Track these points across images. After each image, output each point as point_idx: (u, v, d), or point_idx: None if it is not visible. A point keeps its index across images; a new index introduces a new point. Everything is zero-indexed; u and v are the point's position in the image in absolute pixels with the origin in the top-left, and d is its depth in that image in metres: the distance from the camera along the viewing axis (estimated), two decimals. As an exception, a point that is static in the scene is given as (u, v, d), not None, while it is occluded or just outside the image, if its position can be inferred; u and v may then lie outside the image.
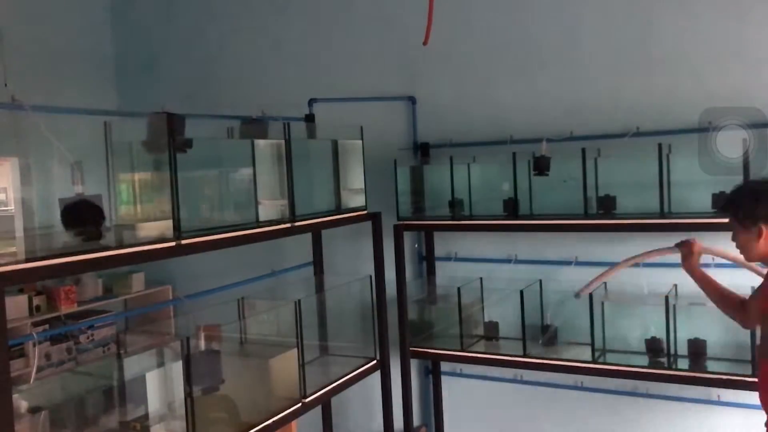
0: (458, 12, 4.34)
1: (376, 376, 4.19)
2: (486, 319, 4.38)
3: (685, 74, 3.89)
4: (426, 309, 4.64)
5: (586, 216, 3.80)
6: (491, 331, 4.33)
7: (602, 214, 3.78)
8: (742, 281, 3.71)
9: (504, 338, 4.29)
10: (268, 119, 3.60)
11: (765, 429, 2.57)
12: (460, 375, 4.63)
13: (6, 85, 3.54)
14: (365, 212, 4.08)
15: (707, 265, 3.80)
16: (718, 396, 3.85)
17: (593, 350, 3.87)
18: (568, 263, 4.22)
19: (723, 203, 2.60)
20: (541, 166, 3.84)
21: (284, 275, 4.47)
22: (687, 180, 3.60)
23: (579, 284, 4.04)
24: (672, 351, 3.72)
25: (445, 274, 4.61)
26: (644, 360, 3.78)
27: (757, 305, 2.65)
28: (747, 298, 2.80)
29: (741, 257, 2.61)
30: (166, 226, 2.78)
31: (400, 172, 4.35)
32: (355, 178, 4.09)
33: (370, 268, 4.15)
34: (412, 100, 4.68)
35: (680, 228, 3.62)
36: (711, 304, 3.64)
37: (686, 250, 2.87)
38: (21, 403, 2.53)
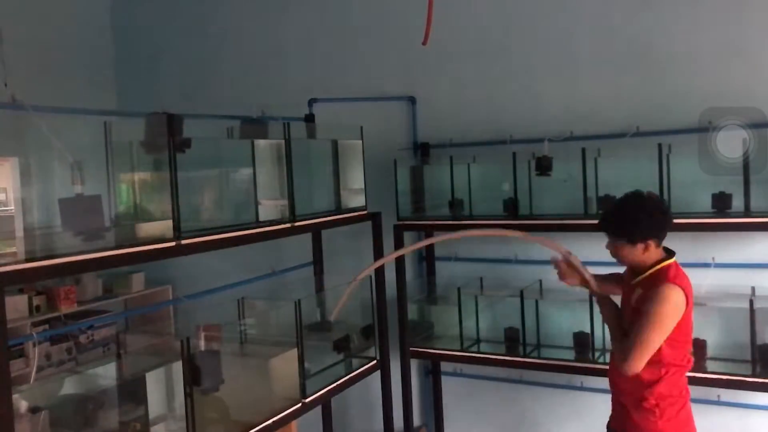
0: (458, 12, 4.34)
1: (376, 376, 4.19)
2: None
3: (685, 74, 3.89)
4: (426, 309, 4.64)
5: (586, 216, 3.79)
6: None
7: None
8: (744, 282, 3.74)
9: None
10: (268, 119, 3.60)
11: None
12: (460, 375, 4.62)
13: (6, 85, 3.53)
14: (365, 212, 4.08)
15: (708, 265, 3.82)
16: (718, 396, 3.85)
17: (593, 350, 3.88)
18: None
19: (605, 224, 2.89)
20: (543, 166, 3.85)
21: (284, 275, 4.47)
22: (687, 180, 3.60)
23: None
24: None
25: (445, 274, 4.61)
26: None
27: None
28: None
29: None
30: (166, 226, 2.78)
31: (400, 172, 4.35)
32: (355, 178, 4.08)
33: (370, 268, 4.15)
34: (412, 100, 4.68)
35: (680, 228, 3.62)
36: (711, 304, 3.68)
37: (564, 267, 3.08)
38: (21, 403, 2.53)
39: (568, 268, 3.06)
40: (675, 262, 2.81)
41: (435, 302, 4.62)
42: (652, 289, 2.72)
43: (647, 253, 2.77)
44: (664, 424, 2.77)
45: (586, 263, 4.19)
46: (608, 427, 3.03)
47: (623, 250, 2.82)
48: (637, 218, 2.77)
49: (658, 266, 2.78)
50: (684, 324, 2.75)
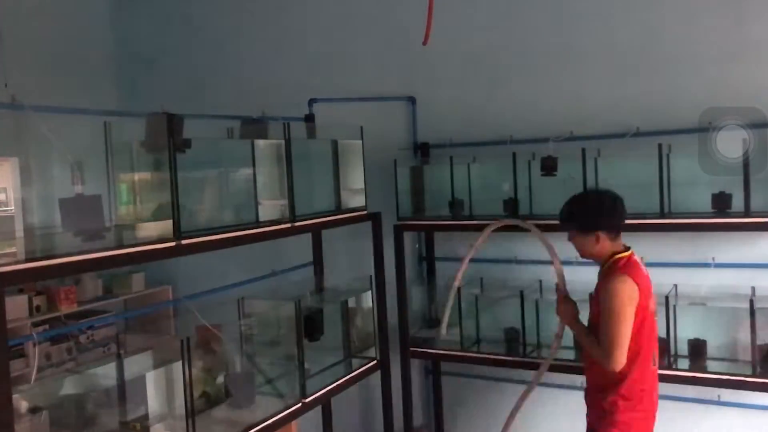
0: (458, 12, 4.34)
1: (377, 376, 4.19)
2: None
3: (685, 74, 3.89)
4: (426, 309, 4.64)
5: (586, 216, 3.79)
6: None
7: (602, 214, 3.77)
8: (744, 282, 3.74)
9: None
10: (268, 119, 3.60)
11: None
12: (460, 375, 4.62)
13: (6, 85, 3.54)
14: (365, 212, 4.08)
15: (708, 265, 3.82)
16: (718, 396, 3.85)
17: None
18: (568, 263, 4.21)
19: (565, 215, 3.18)
20: (548, 166, 3.85)
21: (284, 275, 4.46)
22: (687, 180, 3.60)
23: (579, 284, 4.06)
24: (672, 351, 3.72)
25: (445, 274, 4.61)
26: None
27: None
28: None
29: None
30: (166, 226, 2.78)
31: (400, 172, 4.35)
32: (355, 178, 4.08)
33: (370, 268, 4.15)
34: (412, 100, 4.68)
35: (680, 228, 3.63)
36: (711, 304, 3.68)
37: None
38: (21, 403, 2.53)
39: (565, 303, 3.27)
40: (630, 255, 3.04)
41: (435, 302, 4.61)
42: (605, 280, 2.97)
43: (600, 245, 3.03)
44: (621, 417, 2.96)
45: (584, 263, 4.20)
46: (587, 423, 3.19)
47: (577, 240, 3.10)
48: (585, 207, 3.12)
49: (612, 259, 3.02)
50: (641, 316, 2.92)
